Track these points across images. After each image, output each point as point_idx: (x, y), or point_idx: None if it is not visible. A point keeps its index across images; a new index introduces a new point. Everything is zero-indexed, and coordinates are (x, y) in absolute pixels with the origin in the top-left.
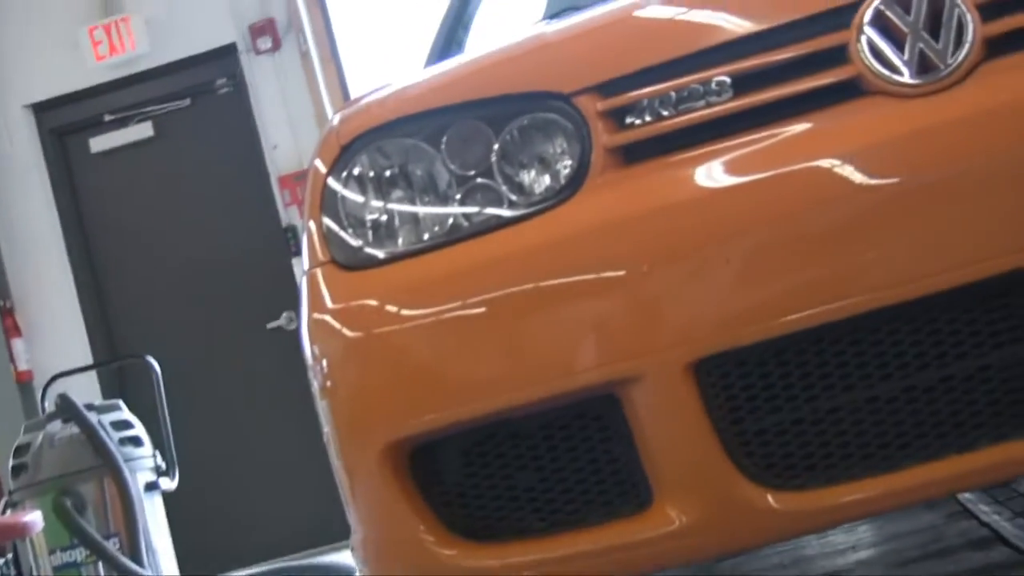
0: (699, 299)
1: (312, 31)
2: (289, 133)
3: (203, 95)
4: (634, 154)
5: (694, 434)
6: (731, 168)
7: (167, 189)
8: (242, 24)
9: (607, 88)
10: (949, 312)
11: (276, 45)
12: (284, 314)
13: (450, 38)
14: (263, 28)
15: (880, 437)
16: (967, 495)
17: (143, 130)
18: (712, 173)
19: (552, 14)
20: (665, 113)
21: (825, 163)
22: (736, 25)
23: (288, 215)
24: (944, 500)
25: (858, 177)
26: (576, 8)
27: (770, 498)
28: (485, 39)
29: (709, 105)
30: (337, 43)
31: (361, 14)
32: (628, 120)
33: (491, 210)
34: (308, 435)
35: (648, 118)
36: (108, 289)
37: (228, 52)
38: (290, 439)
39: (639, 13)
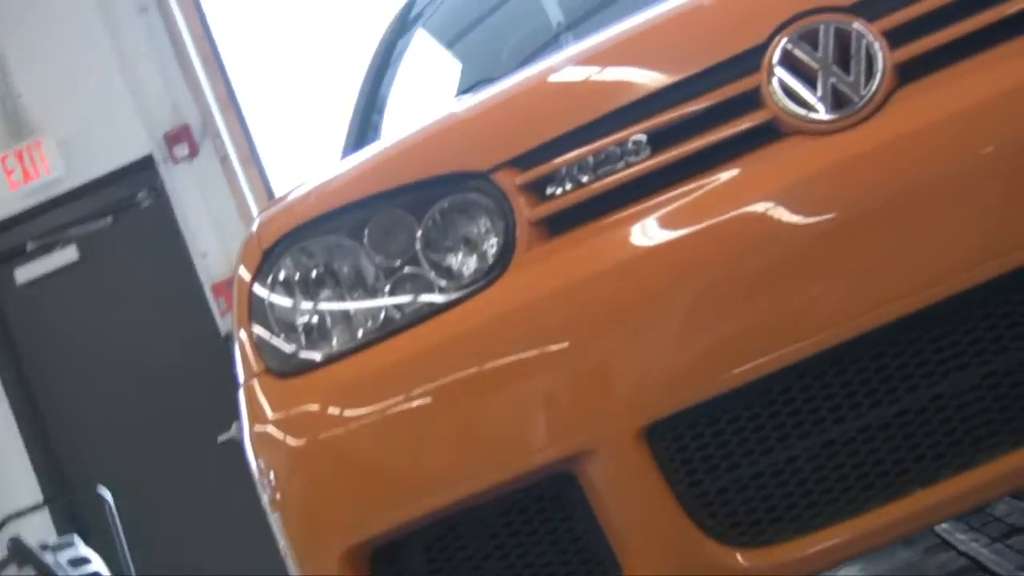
0: (641, 364)
1: (229, 133)
2: (217, 239)
3: (125, 211)
4: (560, 224)
5: (654, 501)
6: (658, 226)
7: (99, 311)
8: (156, 134)
9: (523, 161)
10: (895, 345)
11: (193, 151)
12: (235, 424)
13: (365, 123)
14: (178, 136)
15: (842, 481)
16: (943, 525)
17: (68, 254)
18: (639, 233)
19: (465, 89)
20: (585, 179)
21: (750, 210)
22: (648, 79)
23: (226, 323)
24: (920, 534)
25: (785, 221)
26: (489, 80)
27: (739, 556)
28: (401, 121)
29: (628, 165)
30: (255, 143)
31: (277, 110)
32: (549, 191)
33: (423, 298)
34: (272, 547)
35: (568, 186)
36: (51, 421)
37: (146, 164)
38: (252, 553)
39: (548, 81)
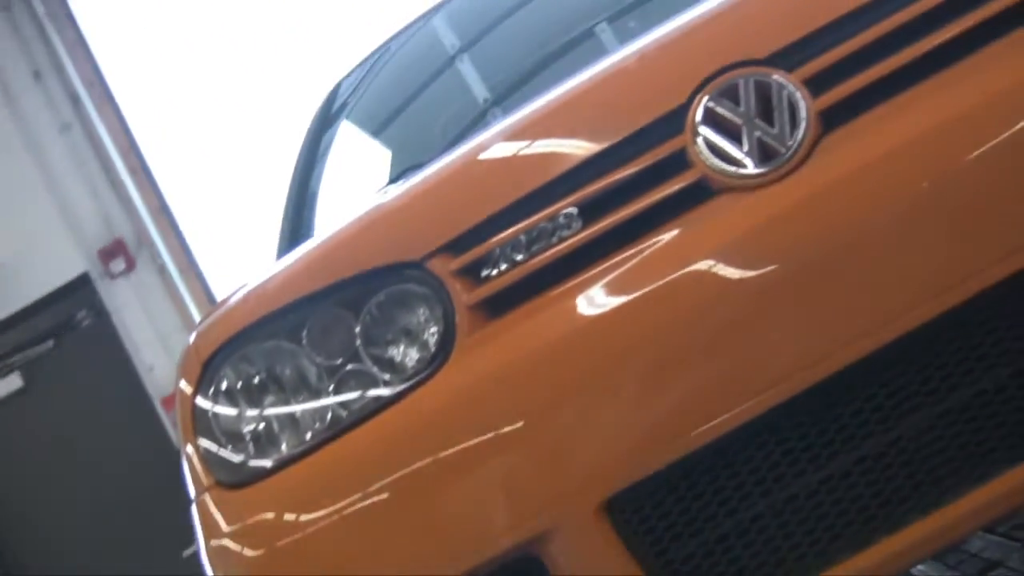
0: (593, 438)
1: (164, 243)
2: (162, 351)
3: (66, 333)
4: (498, 305)
5: (620, 575)
6: (598, 297)
7: (50, 436)
8: (90, 251)
9: (455, 246)
10: (847, 393)
11: (130, 265)
12: None
13: (296, 222)
14: (113, 251)
15: (809, 535)
16: (919, 567)
17: (12, 382)
18: (580, 306)
19: (393, 178)
20: (519, 258)
21: (687, 272)
22: (573, 150)
23: (179, 434)
24: None
25: (723, 279)
26: (417, 167)
27: None
28: (335, 215)
29: (561, 240)
30: (192, 250)
31: (212, 213)
32: (484, 273)
33: (369, 393)
34: None
35: (503, 267)
36: (7, 551)
37: (82, 283)
38: None
39: (472, 162)
